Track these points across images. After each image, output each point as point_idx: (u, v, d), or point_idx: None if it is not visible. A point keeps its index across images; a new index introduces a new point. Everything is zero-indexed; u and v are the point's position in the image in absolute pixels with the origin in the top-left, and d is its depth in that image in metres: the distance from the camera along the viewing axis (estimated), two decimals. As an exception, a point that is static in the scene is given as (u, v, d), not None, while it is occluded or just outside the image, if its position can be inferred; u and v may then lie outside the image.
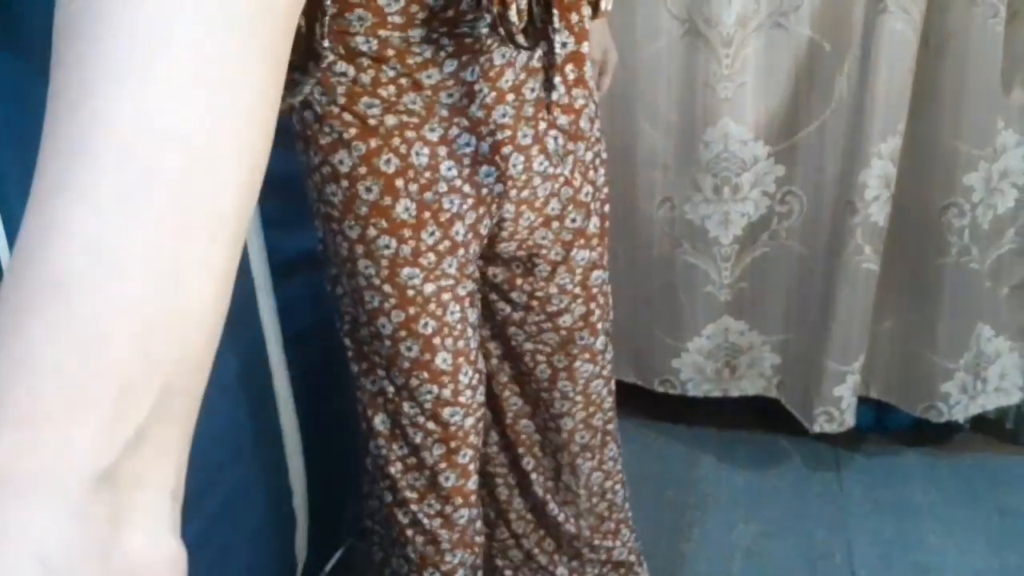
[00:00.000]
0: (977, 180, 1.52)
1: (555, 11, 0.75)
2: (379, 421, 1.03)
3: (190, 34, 0.28)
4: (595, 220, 1.05)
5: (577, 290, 1.07)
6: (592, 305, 1.09)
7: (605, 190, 1.07)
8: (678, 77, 1.59)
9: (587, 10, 0.79)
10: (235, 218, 0.30)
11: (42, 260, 0.26)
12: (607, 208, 1.09)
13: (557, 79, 0.83)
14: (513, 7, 0.76)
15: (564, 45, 0.80)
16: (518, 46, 0.80)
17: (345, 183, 0.91)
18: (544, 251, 1.03)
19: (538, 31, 0.78)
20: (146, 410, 0.27)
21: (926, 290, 1.62)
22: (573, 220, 1.03)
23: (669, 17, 1.55)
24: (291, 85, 0.46)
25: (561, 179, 0.99)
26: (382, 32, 0.84)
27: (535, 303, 1.07)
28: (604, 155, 1.06)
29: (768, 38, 1.53)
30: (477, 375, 1.03)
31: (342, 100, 0.88)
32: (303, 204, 1.00)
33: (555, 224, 1.01)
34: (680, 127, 1.63)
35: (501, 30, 0.78)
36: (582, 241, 1.05)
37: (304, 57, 0.45)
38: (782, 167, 1.63)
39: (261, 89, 0.31)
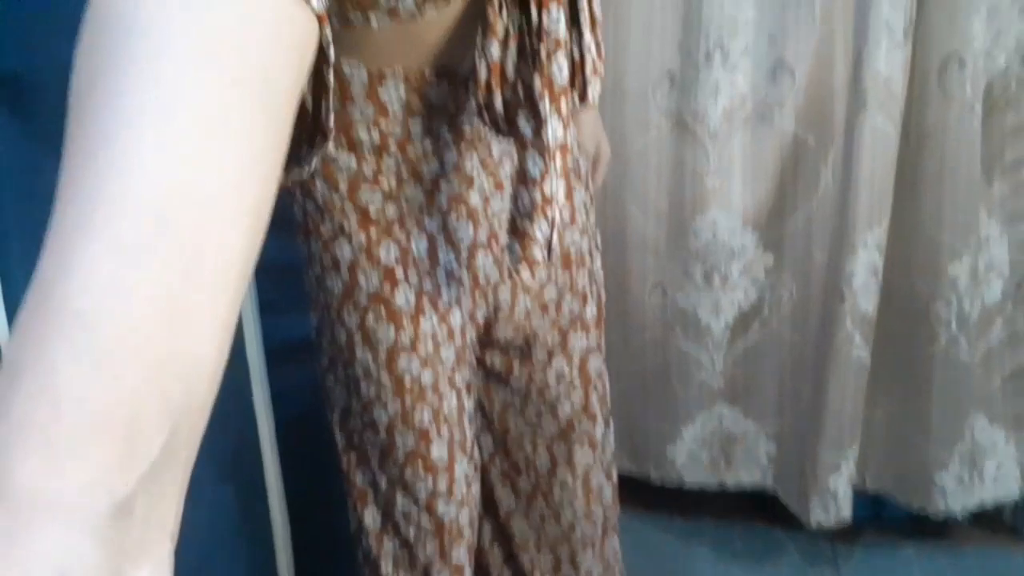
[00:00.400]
0: (962, 270, 1.55)
1: (545, 96, 0.75)
2: (370, 517, 1.01)
3: (201, 96, 0.31)
4: (592, 307, 1.07)
5: (575, 377, 1.06)
6: (590, 392, 1.08)
7: (601, 276, 1.09)
8: (667, 167, 1.63)
9: (575, 98, 0.80)
10: (238, 269, 0.32)
11: (64, 295, 0.28)
12: (603, 295, 1.10)
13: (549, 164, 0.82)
14: (498, 93, 0.77)
15: (554, 132, 0.76)
16: (500, 131, 0.81)
17: (345, 273, 0.92)
18: (541, 337, 1.03)
19: (520, 116, 0.78)
20: (158, 447, 0.28)
21: (918, 379, 1.63)
22: (570, 306, 1.03)
23: (657, 112, 1.60)
24: (299, 159, 0.49)
25: (558, 266, 1.01)
26: (383, 123, 0.86)
27: (533, 390, 1.06)
28: (599, 243, 1.08)
29: (754, 132, 1.58)
30: (472, 467, 1.02)
31: (344, 191, 0.89)
32: (300, 291, 1.01)
33: (552, 310, 1.02)
34: (670, 215, 1.66)
35: (486, 116, 0.79)
36: (579, 328, 1.05)
37: (312, 132, 0.48)
38: (771, 256, 1.66)
39: (264, 151, 0.33)
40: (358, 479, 1.01)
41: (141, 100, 0.30)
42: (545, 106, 0.75)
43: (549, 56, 0.74)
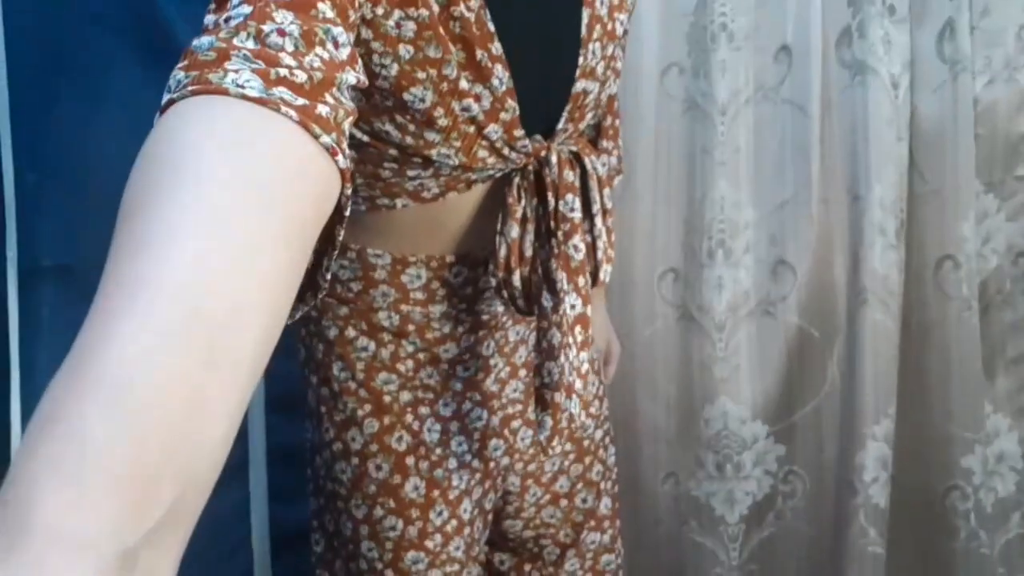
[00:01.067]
0: (975, 463, 1.54)
1: (563, 273, 0.80)
2: None
3: (237, 217, 0.38)
4: (606, 501, 1.05)
5: (567, 446, 1.01)
6: (587, 460, 1.03)
7: (615, 470, 1.08)
8: (675, 357, 1.68)
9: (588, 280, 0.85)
10: (251, 368, 0.36)
11: (101, 361, 0.32)
12: (616, 489, 1.09)
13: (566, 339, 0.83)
14: (516, 272, 0.82)
15: (573, 307, 0.81)
16: (518, 309, 0.85)
17: (355, 460, 0.91)
18: (552, 532, 1.01)
19: (542, 293, 0.83)
20: (165, 507, 0.32)
21: (939, 575, 1.58)
22: (584, 500, 1.03)
23: (663, 303, 1.67)
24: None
25: (571, 456, 1.01)
26: (404, 307, 0.89)
27: None
28: (611, 434, 1.09)
29: (759, 324, 1.64)
30: None
31: (360, 376, 0.90)
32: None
33: (564, 503, 1.01)
34: (680, 404, 1.69)
35: (504, 294, 0.83)
36: (592, 523, 1.03)
37: (304, 287, 0.50)
38: (782, 447, 1.67)
39: (286, 271, 0.39)
40: None
41: (184, 215, 0.36)
42: (563, 282, 0.80)
43: (566, 237, 0.80)
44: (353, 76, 0.51)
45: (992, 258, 1.54)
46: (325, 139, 0.44)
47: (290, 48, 0.48)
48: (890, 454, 1.53)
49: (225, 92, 0.43)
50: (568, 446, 1.02)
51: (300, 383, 0.96)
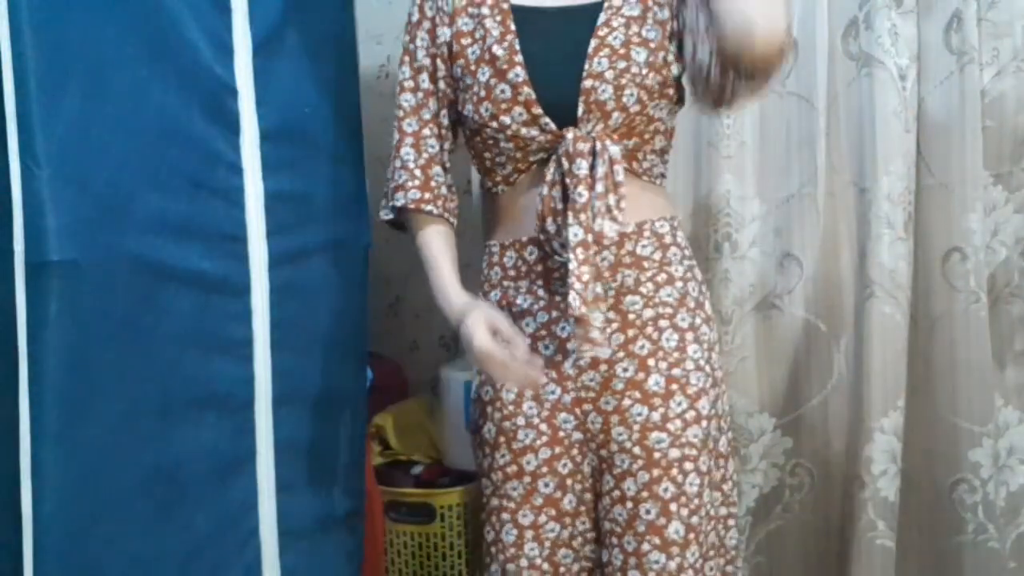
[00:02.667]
0: (984, 456, 1.54)
1: (570, 212, 1.10)
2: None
3: (450, 260, 1.25)
4: (677, 526, 1.11)
5: (634, 448, 1.12)
6: (656, 472, 1.11)
7: (704, 508, 1.13)
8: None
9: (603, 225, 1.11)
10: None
11: (454, 294, 1.20)
12: (700, 525, 1.12)
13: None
14: (549, 219, 1.13)
15: (575, 235, 1.09)
16: (555, 252, 1.13)
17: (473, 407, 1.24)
18: (619, 532, 1.13)
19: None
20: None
21: (947, 569, 1.58)
22: (647, 511, 1.11)
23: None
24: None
25: (640, 461, 1.12)
26: (505, 283, 1.20)
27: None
28: (708, 475, 1.14)
29: (765, 317, 1.64)
30: None
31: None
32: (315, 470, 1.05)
33: (629, 505, 1.13)
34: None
35: (545, 243, 1.14)
36: (657, 541, 1.10)
37: None
38: (789, 439, 1.67)
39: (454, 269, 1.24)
40: None
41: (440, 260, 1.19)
42: (570, 217, 1.09)
43: (574, 186, 1.10)
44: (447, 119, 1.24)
45: (1000, 250, 1.54)
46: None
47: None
48: (899, 447, 1.53)
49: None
50: (637, 450, 1.12)
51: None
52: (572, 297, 1.07)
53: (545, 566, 1.15)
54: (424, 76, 1.21)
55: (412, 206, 1.19)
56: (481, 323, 1.07)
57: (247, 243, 1.18)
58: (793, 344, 1.63)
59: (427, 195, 1.20)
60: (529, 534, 1.15)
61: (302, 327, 1.26)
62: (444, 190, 1.21)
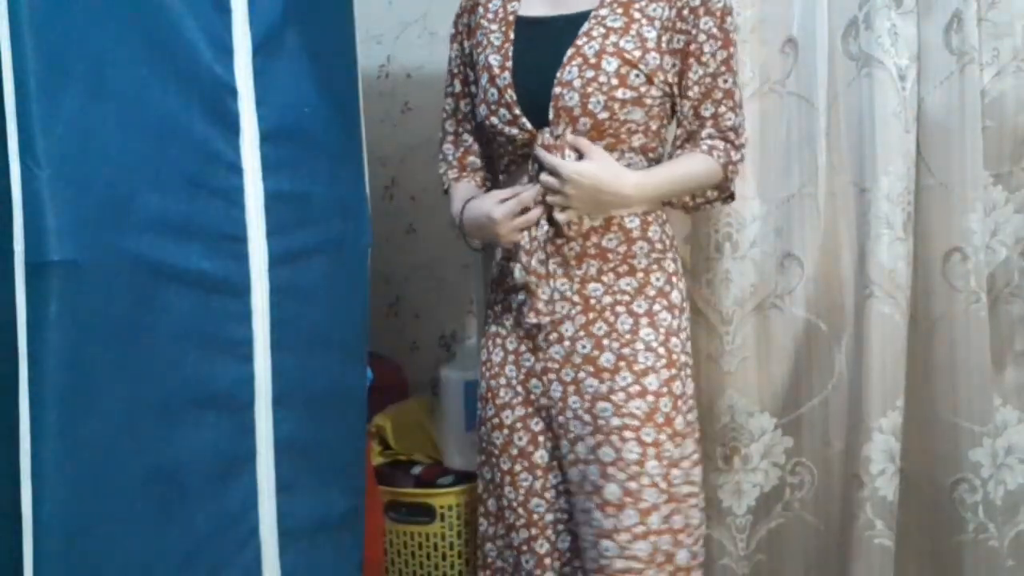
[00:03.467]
0: (984, 456, 1.54)
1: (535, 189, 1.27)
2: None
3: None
4: (613, 488, 1.23)
5: (586, 417, 1.27)
6: (599, 438, 1.25)
7: (642, 476, 1.23)
8: (683, 351, 1.68)
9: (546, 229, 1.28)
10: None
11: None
12: (641, 492, 1.23)
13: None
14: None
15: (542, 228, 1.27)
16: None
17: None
18: (573, 489, 1.28)
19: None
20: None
21: (946, 569, 1.58)
22: (592, 472, 1.25)
23: (671, 297, 1.67)
24: None
25: (588, 427, 1.27)
26: (502, 261, 1.35)
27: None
28: (650, 446, 1.25)
29: (766, 318, 1.63)
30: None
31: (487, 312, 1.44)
32: (315, 470, 1.05)
33: (581, 466, 1.27)
34: (687, 398, 1.69)
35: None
36: (598, 500, 1.23)
37: None
38: (790, 439, 1.66)
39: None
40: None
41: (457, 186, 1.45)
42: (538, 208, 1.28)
43: (539, 172, 1.26)
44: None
45: (1000, 250, 1.54)
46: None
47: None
48: (897, 447, 1.53)
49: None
50: (587, 418, 1.27)
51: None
52: (516, 268, 1.27)
53: (520, 511, 1.31)
54: (457, 83, 1.44)
55: (450, 184, 1.44)
56: (488, 200, 1.30)
57: (247, 243, 1.18)
58: (794, 344, 1.63)
59: (464, 175, 1.44)
60: (507, 479, 1.32)
61: (302, 327, 1.26)
62: (480, 169, 1.44)
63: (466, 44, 1.40)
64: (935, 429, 1.56)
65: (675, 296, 1.33)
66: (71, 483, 0.99)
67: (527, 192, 1.26)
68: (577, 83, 1.24)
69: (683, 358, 1.32)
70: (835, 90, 1.56)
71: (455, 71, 1.44)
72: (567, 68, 1.25)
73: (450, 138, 1.46)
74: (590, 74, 1.24)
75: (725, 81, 1.33)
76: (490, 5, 1.36)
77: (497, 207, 1.26)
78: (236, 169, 1.17)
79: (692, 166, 1.33)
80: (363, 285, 1.40)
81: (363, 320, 1.40)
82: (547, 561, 1.30)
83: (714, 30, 1.30)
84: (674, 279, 1.34)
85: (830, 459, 1.63)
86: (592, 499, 1.24)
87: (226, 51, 1.16)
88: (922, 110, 1.52)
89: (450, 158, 1.45)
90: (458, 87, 1.44)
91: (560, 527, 1.31)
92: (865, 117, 1.52)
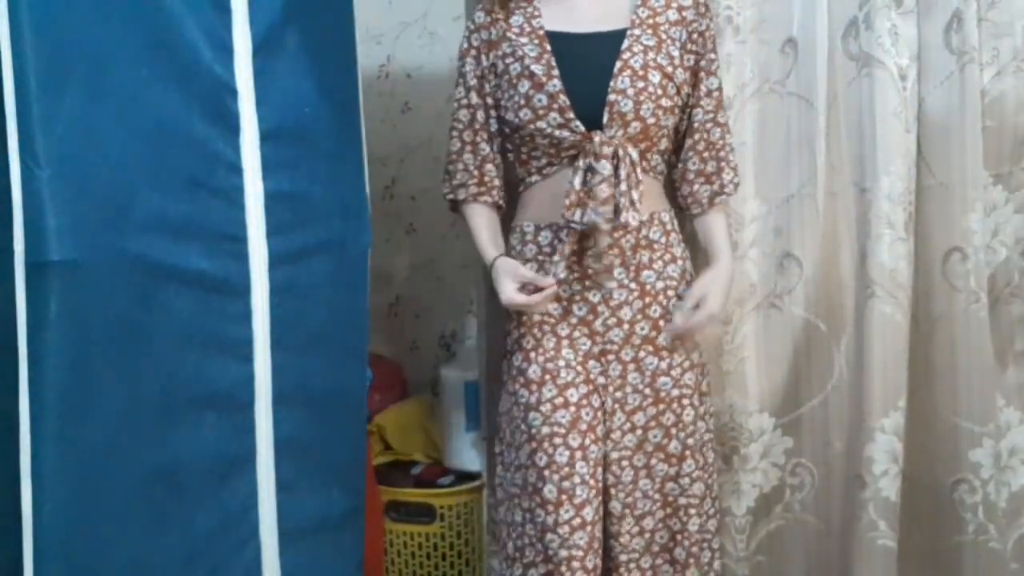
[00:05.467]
0: (984, 456, 1.54)
1: (592, 202, 1.36)
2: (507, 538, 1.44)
3: (495, 225, 1.55)
4: (675, 444, 1.44)
5: (647, 391, 1.43)
6: (661, 407, 1.43)
7: (701, 433, 1.47)
8: (683, 351, 1.68)
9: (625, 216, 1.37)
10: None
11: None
12: (702, 449, 1.47)
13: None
14: (576, 210, 1.36)
15: (596, 221, 1.36)
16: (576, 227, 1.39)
17: (505, 361, 1.48)
18: (629, 456, 1.44)
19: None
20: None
21: (948, 569, 1.58)
22: (655, 435, 1.44)
23: (672, 297, 1.67)
24: None
25: (649, 399, 1.43)
26: (540, 259, 1.44)
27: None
28: (700, 410, 1.46)
29: (766, 317, 1.63)
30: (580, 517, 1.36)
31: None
32: (315, 470, 1.05)
33: (640, 432, 1.43)
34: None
35: (568, 222, 1.37)
36: (662, 455, 1.44)
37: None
38: (790, 439, 1.66)
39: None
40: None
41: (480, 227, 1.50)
42: (593, 208, 1.36)
43: (597, 183, 1.36)
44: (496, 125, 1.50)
45: (1001, 250, 1.54)
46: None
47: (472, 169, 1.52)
48: (900, 447, 1.53)
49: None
50: (648, 391, 1.43)
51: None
52: (593, 259, 1.39)
53: (591, 482, 1.38)
54: (473, 94, 1.50)
55: (471, 199, 1.50)
56: (506, 277, 1.39)
57: (247, 243, 1.18)
58: (793, 344, 1.63)
59: (482, 188, 1.50)
60: (579, 454, 1.38)
61: (302, 327, 1.26)
62: (496, 182, 1.51)
63: (485, 57, 1.47)
64: (936, 429, 1.56)
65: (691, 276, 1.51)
66: (71, 483, 0.99)
67: (543, 296, 1.37)
68: (631, 91, 1.38)
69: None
70: (835, 90, 1.56)
71: (471, 84, 1.49)
72: (619, 78, 1.39)
73: (468, 147, 1.50)
74: (640, 84, 1.39)
75: (720, 94, 1.52)
76: (512, 21, 1.46)
77: (515, 295, 1.38)
78: (236, 169, 1.17)
79: (723, 222, 1.53)
80: (363, 285, 1.39)
81: (363, 320, 1.40)
82: (596, 523, 1.40)
83: (713, 52, 1.50)
84: (690, 264, 1.51)
85: (830, 459, 1.63)
86: (655, 456, 1.44)
87: (226, 51, 1.15)
88: (922, 110, 1.52)
89: (471, 167, 1.50)
90: (475, 99, 1.49)
91: (599, 494, 1.42)
92: (865, 117, 1.52)
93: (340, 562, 1.36)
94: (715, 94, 1.50)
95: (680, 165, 1.52)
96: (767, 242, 1.62)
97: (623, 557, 1.43)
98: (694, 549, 1.47)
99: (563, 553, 1.34)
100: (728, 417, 1.65)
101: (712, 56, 1.49)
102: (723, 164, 1.50)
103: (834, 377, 1.62)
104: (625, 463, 1.44)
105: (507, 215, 1.54)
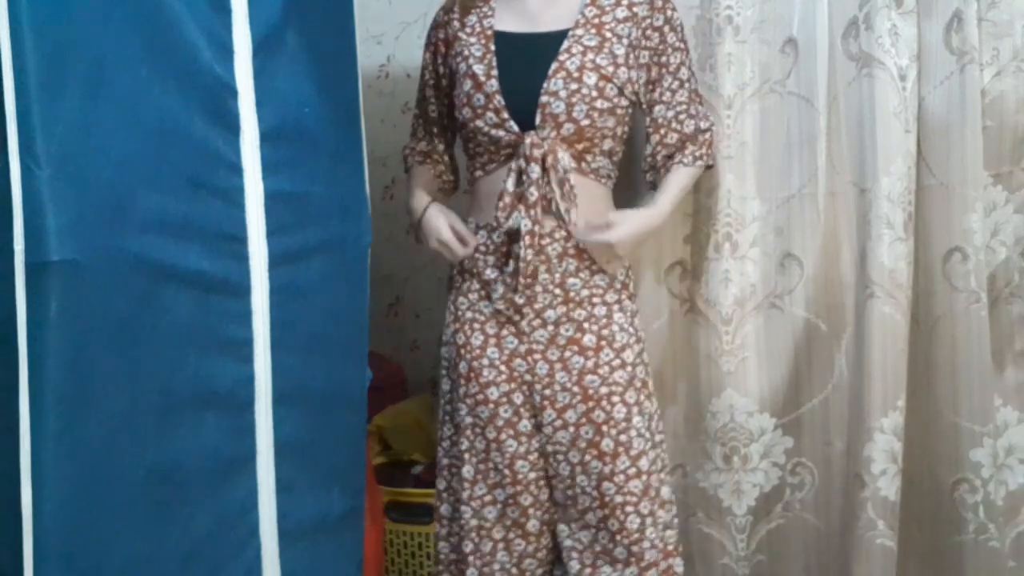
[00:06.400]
0: (984, 456, 1.54)
1: (522, 206, 1.41)
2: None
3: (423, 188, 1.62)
4: (607, 441, 1.44)
5: (575, 388, 1.45)
6: (590, 404, 1.44)
7: (633, 430, 1.45)
8: (682, 350, 1.68)
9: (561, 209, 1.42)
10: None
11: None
12: (632, 443, 1.44)
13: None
14: (508, 211, 1.42)
15: (525, 225, 1.41)
16: (503, 229, 1.44)
17: (445, 348, 1.55)
18: (563, 451, 1.47)
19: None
20: None
21: (947, 569, 1.58)
22: (587, 432, 1.45)
23: (670, 296, 1.67)
24: None
25: (578, 396, 1.45)
26: (476, 255, 1.48)
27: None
28: (632, 404, 1.45)
29: (766, 317, 1.64)
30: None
31: (452, 298, 1.54)
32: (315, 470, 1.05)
33: (571, 429, 1.45)
34: (687, 396, 1.69)
35: (499, 222, 1.43)
36: (595, 452, 1.44)
37: None
38: (790, 439, 1.67)
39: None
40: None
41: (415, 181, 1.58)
42: (523, 212, 1.40)
43: (528, 185, 1.40)
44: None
45: (1000, 250, 1.54)
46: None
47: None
48: (899, 447, 1.53)
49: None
50: (576, 389, 1.45)
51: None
52: (522, 266, 1.41)
53: (506, 471, 1.47)
54: (428, 88, 1.59)
55: (415, 164, 1.61)
56: (443, 220, 1.47)
57: (247, 243, 1.18)
58: (794, 344, 1.63)
59: (432, 162, 1.61)
60: (493, 446, 1.47)
61: (302, 327, 1.26)
62: (443, 168, 1.62)
63: (441, 55, 1.54)
64: (936, 429, 1.56)
65: (631, 284, 1.53)
66: (71, 483, 0.99)
67: (469, 250, 1.47)
68: (563, 93, 1.40)
69: (642, 333, 1.53)
70: (835, 90, 1.56)
71: (427, 77, 1.59)
72: (552, 80, 1.40)
73: (420, 132, 1.63)
74: (573, 86, 1.40)
75: (691, 84, 1.52)
76: (467, 20, 1.49)
77: (449, 236, 1.47)
78: (236, 169, 1.17)
79: (682, 181, 1.52)
80: (363, 285, 1.39)
81: (363, 320, 1.40)
82: (530, 511, 1.50)
83: (678, 43, 1.49)
84: (629, 270, 1.53)
85: (831, 459, 1.63)
86: (589, 452, 1.45)
87: (226, 51, 1.15)
88: (922, 110, 1.52)
89: (420, 148, 1.63)
90: (429, 92, 1.59)
91: (541, 482, 1.50)
92: (865, 117, 1.52)
93: (340, 562, 1.36)
94: (686, 86, 1.50)
95: (648, 158, 1.54)
96: (768, 242, 1.62)
97: (568, 543, 1.51)
98: (635, 548, 1.45)
99: (473, 522, 1.50)
100: (728, 417, 1.65)
101: (677, 48, 1.48)
102: (688, 144, 1.51)
103: (835, 377, 1.62)
104: (560, 457, 1.47)
105: (461, 209, 1.56)
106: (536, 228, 1.40)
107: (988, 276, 1.52)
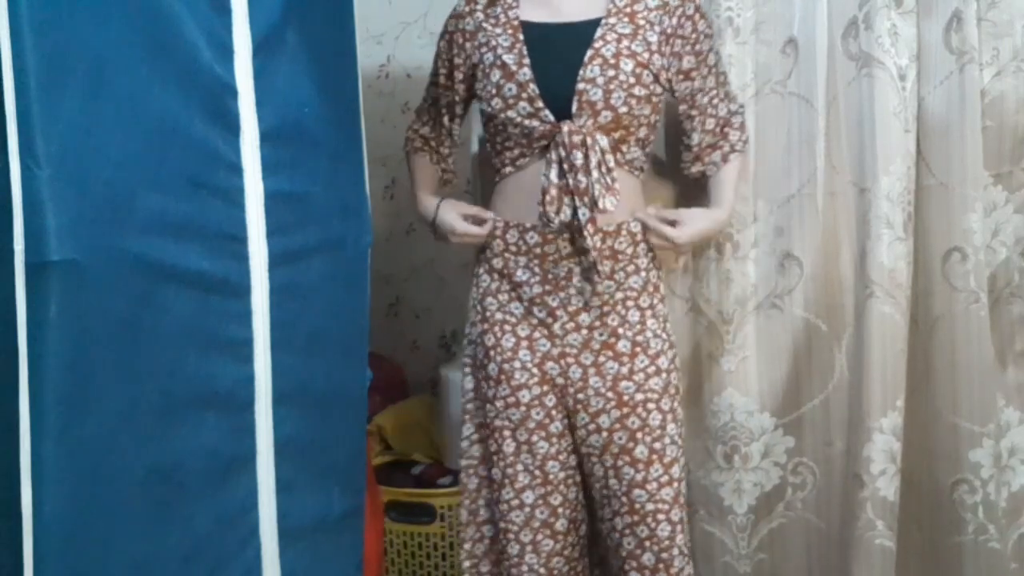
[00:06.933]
0: (984, 456, 1.54)
1: (569, 196, 1.38)
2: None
3: (432, 174, 1.68)
4: (641, 448, 1.44)
5: (609, 394, 1.45)
6: (625, 411, 1.44)
7: (668, 439, 1.46)
8: (684, 349, 1.68)
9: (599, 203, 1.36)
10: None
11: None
12: (669, 454, 1.45)
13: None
14: (555, 203, 1.37)
15: (574, 214, 1.37)
16: (552, 225, 1.38)
17: (471, 347, 1.55)
18: (596, 455, 1.47)
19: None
20: None
21: (947, 569, 1.58)
22: (620, 438, 1.45)
23: (672, 296, 1.67)
24: None
25: (612, 402, 1.45)
26: (506, 255, 1.47)
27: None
28: (667, 412, 1.46)
29: (767, 317, 1.64)
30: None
31: (478, 298, 1.53)
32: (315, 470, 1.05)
33: (604, 434, 1.46)
34: (688, 395, 1.69)
35: (546, 218, 1.37)
36: (627, 459, 1.44)
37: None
38: (791, 438, 1.67)
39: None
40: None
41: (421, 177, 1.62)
42: (575, 201, 1.37)
43: (573, 174, 1.36)
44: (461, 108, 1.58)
45: (1001, 250, 1.54)
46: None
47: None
48: (898, 447, 1.53)
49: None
50: (610, 395, 1.45)
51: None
52: (594, 255, 1.40)
53: (536, 472, 1.47)
54: (442, 76, 1.56)
55: (414, 152, 1.63)
56: (453, 214, 1.50)
57: (247, 243, 1.18)
58: (794, 344, 1.63)
59: (432, 149, 1.61)
60: (524, 448, 1.47)
61: (302, 327, 1.26)
62: (447, 151, 1.62)
63: (458, 45, 1.52)
64: (936, 429, 1.56)
65: (662, 287, 1.52)
66: (71, 483, 0.99)
67: (485, 229, 1.48)
68: (600, 80, 1.38)
69: (674, 338, 1.53)
70: (835, 90, 1.56)
71: (439, 68, 1.57)
72: (589, 67, 1.39)
73: (427, 119, 1.62)
74: (611, 73, 1.38)
75: (719, 67, 1.53)
76: (490, 11, 1.48)
77: (468, 227, 1.49)
78: (236, 169, 1.17)
79: (735, 173, 1.55)
80: (363, 285, 1.39)
81: (363, 320, 1.40)
82: (560, 510, 1.50)
83: (707, 29, 1.49)
84: (660, 273, 1.52)
85: (831, 459, 1.63)
86: (621, 458, 1.45)
87: (226, 51, 1.15)
88: (922, 110, 1.52)
89: (427, 135, 1.62)
90: (443, 80, 1.56)
91: (570, 481, 1.50)
92: (865, 117, 1.52)
93: (340, 562, 1.36)
94: (714, 71, 1.51)
95: (687, 142, 1.54)
96: (768, 242, 1.62)
97: (609, 543, 1.51)
98: (664, 555, 1.45)
99: (501, 526, 1.50)
100: (729, 416, 1.65)
101: (707, 34, 1.49)
102: (728, 129, 1.53)
103: (835, 377, 1.62)
104: (595, 459, 1.48)
105: (484, 205, 1.56)
106: (595, 214, 1.37)
107: (988, 276, 1.52)
